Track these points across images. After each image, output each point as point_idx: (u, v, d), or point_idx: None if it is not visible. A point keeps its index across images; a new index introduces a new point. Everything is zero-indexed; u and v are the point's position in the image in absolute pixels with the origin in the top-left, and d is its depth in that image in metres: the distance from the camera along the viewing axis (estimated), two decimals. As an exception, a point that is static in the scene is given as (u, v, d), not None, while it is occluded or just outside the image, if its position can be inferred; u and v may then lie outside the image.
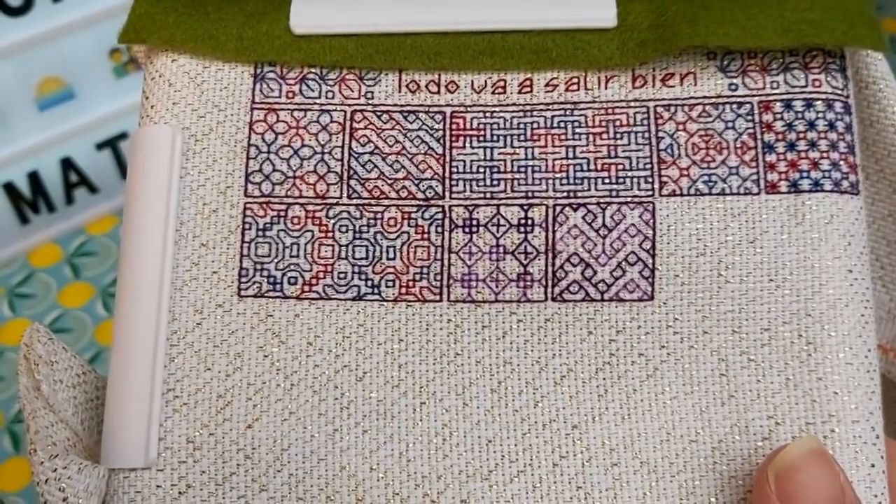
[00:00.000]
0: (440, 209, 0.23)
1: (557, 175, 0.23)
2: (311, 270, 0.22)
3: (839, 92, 0.23)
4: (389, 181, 0.23)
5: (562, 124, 0.23)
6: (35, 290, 0.68)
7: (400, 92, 0.24)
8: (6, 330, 0.64)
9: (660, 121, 0.23)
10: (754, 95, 0.23)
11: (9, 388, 0.59)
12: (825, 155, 0.22)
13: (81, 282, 0.69)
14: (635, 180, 0.22)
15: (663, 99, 0.23)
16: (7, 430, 0.57)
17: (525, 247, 0.22)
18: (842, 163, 0.22)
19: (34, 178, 0.75)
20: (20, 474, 0.55)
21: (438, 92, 0.24)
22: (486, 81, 0.24)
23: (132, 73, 0.76)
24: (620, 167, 0.23)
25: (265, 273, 0.22)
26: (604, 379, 0.22)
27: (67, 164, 0.77)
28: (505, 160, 0.23)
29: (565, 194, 0.23)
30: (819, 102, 0.22)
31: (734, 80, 0.23)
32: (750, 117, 0.23)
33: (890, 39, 0.78)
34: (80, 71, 0.75)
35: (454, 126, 0.23)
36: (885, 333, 0.27)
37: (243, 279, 0.22)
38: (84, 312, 0.66)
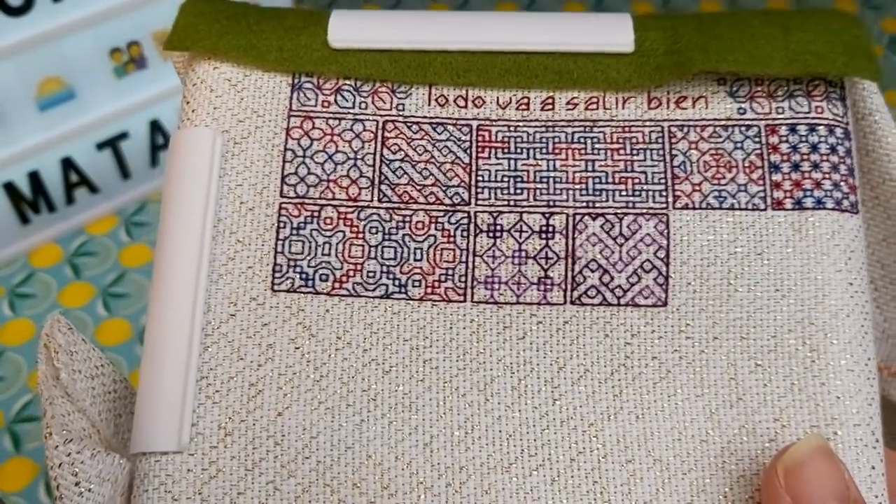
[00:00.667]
0: (466, 214, 0.24)
1: (577, 186, 0.24)
2: (341, 268, 0.23)
3: (840, 118, 0.24)
4: (418, 187, 0.24)
5: (582, 140, 0.24)
6: (35, 290, 0.68)
7: (430, 105, 0.25)
8: (6, 330, 0.64)
9: (673, 140, 0.24)
10: (761, 119, 0.24)
11: (9, 388, 0.59)
12: (827, 176, 0.24)
13: (82, 282, 0.69)
14: (650, 193, 0.24)
15: (677, 120, 0.25)
16: (7, 430, 0.57)
17: (546, 252, 0.24)
18: (843, 183, 0.24)
19: (35, 177, 0.75)
20: (20, 474, 0.54)
21: (466, 106, 0.25)
22: (510, 98, 0.25)
23: (132, 74, 0.77)
24: (636, 181, 0.24)
25: (298, 269, 0.23)
26: (619, 380, 0.23)
27: (68, 164, 0.77)
28: (528, 171, 0.24)
29: (585, 204, 0.24)
30: (821, 127, 0.24)
31: (743, 105, 0.25)
32: (757, 139, 0.24)
33: (890, 39, 0.81)
34: (81, 71, 0.75)
35: (480, 138, 0.25)
36: (879, 353, 0.28)
37: (277, 274, 0.23)
38: (84, 312, 0.66)
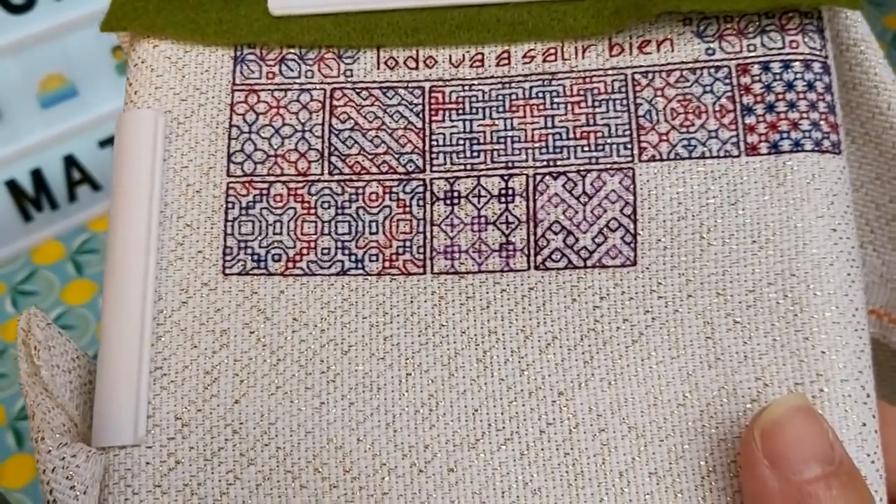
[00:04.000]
0: (421, 182, 0.23)
1: (537, 145, 0.23)
2: (294, 247, 0.23)
3: (817, 52, 0.23)
4: (370, 156, 0.23)
5: (540, 94, 0.23)
6: (38, 288, 0.69)
7: (379, 69, 0.24)
8: (9, 327, 0.65)
9: (637, 88, 0.23)
10: (731, 59, 0.23)
11: (11, 384, 0.60)
12: (805, 115, 0.22)
13: (84, 279, 0.70)
14: (614, 147, 0.23)
15: (641, 66, 0.23)
16: (10, 427, 0.57)
17: (506, 217, 0.22)
18: (822, 122, 0.22)
19: (37, 175, 0.75)
20: (23, 471, 0.55)
21: (417, 67, 0.24)
22: (463, 55, 0.24)
23: None
24: (599, 135, 0.23)
25: (249, 251, 0.23)
26: (589, 346, 0.22)
27: (70, 162, 0.77)
28: (484, 132, 0.23)
29: (545, 163, 0.23)
30: (797, 63, 0.22)
31: (711, 45, 0.23)
32: (728, 80, 0.23)
33: (893, 36, 0.78)
34: (83, 68, 0.75)
35: (433, 100, 0.23)
36: (877, 298, 0.27)
37: (228, 257, 0.23)
38: (87, 309, 0.67)
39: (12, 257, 0.72)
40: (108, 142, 0.78)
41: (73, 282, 0.69)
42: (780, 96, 0.22)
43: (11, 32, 0.69)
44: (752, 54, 0.23)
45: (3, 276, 0.69)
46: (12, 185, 0.74)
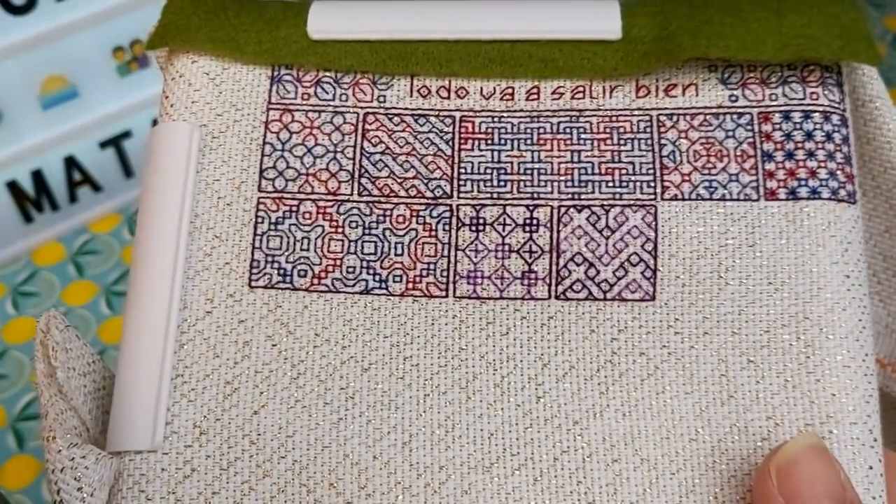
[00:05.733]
0: (448, 208, 0.23)
1: (562, 178, 0.23)
2: (320, 264, 0.23)
3: (836, 105, 0.23)
4: (399, 180, 0.24)
5: (567, 130, 0.24)
6: (39, 289, 0.68)
7: (411, 96, 0.24)
8: (9, 328, 0.64)
9: (662, 129, 0.24)
10: (754, 107, 0.24)
11: (13, 385, 0.59)
12: (823, 164, 0.23)
13: (85, 280, 0.69)
14: (638, 184, 0.23)
15: (666, 108, 0.24)
16: (11, 428, 0.57)
17: (530, 246, 0.23)
18: (839, 172, 0.23)
19: (38, 176, 0.75)
20: (24, 472, 0.54)
21: (448, 97, 0.24)
22: (494, 88, 0.24)
23: (135, 72, 0.77)
24: (624, 171, 0.23)
25: (276, 265, 0.23)
26: (605, 377, 0.22)
27: (71, 163, 0.77)
28: (512, 162, 0.24)
29: (570, 196, 0.23)
30: (817, 114, 0.23)
31: (734, 92, 0.24)
32: (749, 127, 0.23)
33: (893, 38, 0.80)
34: (84, 69, 0.75)
35: (463, 129, 0.24)
36: (882, 348, 0.27)
37: (254, 270, 0.23)
38: (88, 311, 0.66)
39: (13, 258, 0.72)
40: (108, 143, 0.78)
41: (74, 283, 0.69)
42: (800, 145, 0.23)
43: (12, 33, 0.70)
44: (774, 103, 0.23)
45: (3, 277, 0.69)
46: (13, 186, 0.74)
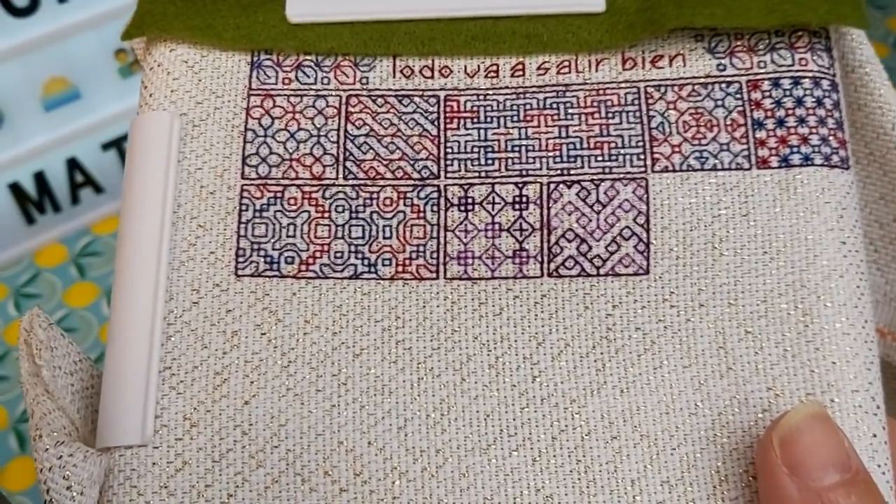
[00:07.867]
0: (435, 188, 0.23)
1: (551, 154, 0.23)
2: (307, 250, 0.23)
3: (826, 70, 0.23)
4: (385, 162, 0.23)
5: (554, 105, 0.23)
6: (41, 290, 0.68)
7: (394, 77, 0.24)
8: (11, 330, 0.64)
9: (650, 100, 0.23)
10: (742, 75, 0.23)
11: (14, 387, 0.59)
12: (814, 130, 0.23)
13: (87, 281, 0.69)
14: (628, 157, 0.23)
15: (653, 80, 0.23)
16: (13, 430, 0.57)
17: (520, 224, 0.23)
18: (831, 138, 0.23)
19: (40, 178, 0.75)
20: (25, 473, 0.54)
21: (432, 76, 0.24)
22: (478, 66, 0.24)
23: (138, 74, 0.77)
24: (613, 145, 0.23)
25: (262, 253, 0.22)
26: (601, 353, 0.22)
27: (73, 165, 0.77)
28: (499, 140, 0.23)
29: (559, 172, 0.23)
30: (806, 80, 0.23)
31: (722, 61, 0.23)
32: (739, 95, 0.23)
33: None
34: (86, 71, 0.75)
35: (448, 108, 0.24)
36: (881, 317, 0.27)
37: (240, 259, 0.22)
38: (90, 312, 0.66)
39: (15, 260, 0.72)
40: (110, 144, 0.78)
41: (76, 284, 0.69)
42: (790, 112, 0.23)
43: (15, 35, 0.70)
44: (763, 70, 0.23)
45: (5, 278, 0.69)
46: (15, 188, 0.74)
